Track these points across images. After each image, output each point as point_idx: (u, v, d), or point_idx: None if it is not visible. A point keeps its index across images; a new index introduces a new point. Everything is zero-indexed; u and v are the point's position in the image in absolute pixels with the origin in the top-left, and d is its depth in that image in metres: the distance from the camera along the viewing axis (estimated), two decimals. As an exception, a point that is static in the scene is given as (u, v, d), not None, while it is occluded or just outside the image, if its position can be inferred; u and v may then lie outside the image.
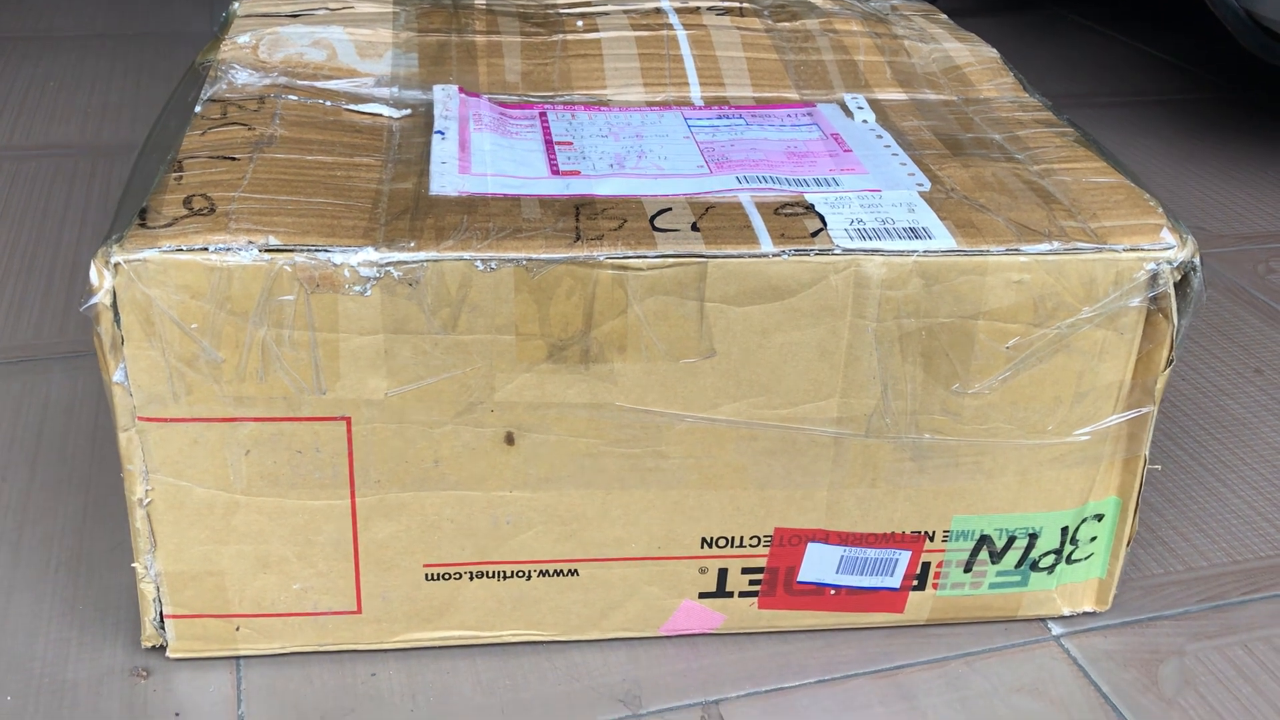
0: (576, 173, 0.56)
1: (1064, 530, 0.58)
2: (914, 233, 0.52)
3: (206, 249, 0.47)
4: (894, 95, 0.66)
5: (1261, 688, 0.58)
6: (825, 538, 0.56)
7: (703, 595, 0.57)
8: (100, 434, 0.71)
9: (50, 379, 0.76)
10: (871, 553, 0.57)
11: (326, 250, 0.48)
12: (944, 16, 0.77)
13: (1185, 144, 1.23)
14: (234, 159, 0.53)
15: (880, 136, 0.61)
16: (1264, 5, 1.11)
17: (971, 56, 0.71)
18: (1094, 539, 0.59)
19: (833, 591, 0.58)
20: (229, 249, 0.47)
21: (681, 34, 0.69)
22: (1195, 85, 1.40)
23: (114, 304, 0.48)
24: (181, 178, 0.52)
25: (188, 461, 0.51)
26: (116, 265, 0.47)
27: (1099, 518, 0.58)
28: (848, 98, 0.65)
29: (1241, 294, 0.94)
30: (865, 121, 0.63)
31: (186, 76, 0.64)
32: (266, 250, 0.48)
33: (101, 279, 0.47)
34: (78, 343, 0.80)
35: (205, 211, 0.49)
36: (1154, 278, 0.52)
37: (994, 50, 0.72)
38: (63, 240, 0.94)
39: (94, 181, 1.04)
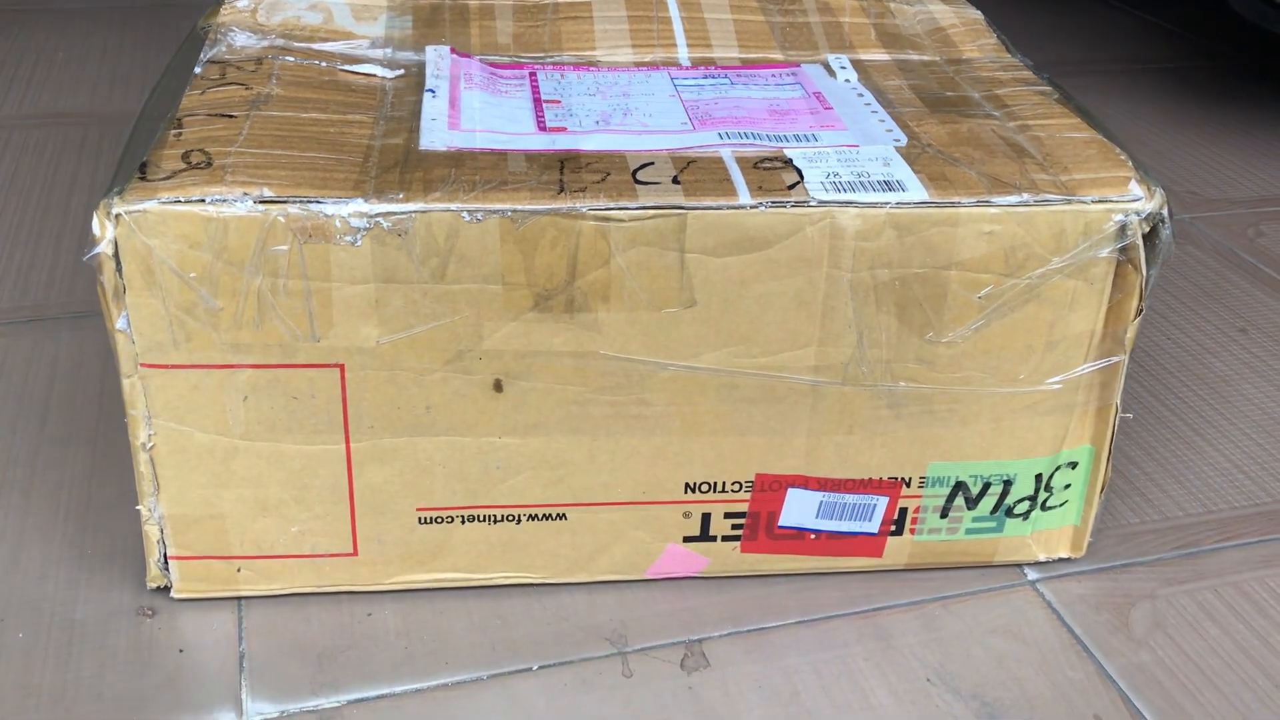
0: (563, 129, 0.57)
1: (1038, 477, 0.60)
2: (888, 185, 0.53)
3: (204, 200, 0.49)
4: (877, 56, 0.68)
5: (1228, 629, 0.59)
6: (805, 483, 0.58)
7: (687, 539, 0.59)
8: (107, 390, 0.74)
9: (59, 338, 0.79)
10: (850, 498, 0.59)
11: (319, 201, 0.50)
12: (931, -20, 0.78)
13: (1182, 110, 1.23)
14: (231, 116, 0.55)
15: (861, 95, 0.62)
16: (1259, -29, 1.11)
17: (956, 18, 0.72)
18: (1068, 486, 0.61)
19: (813, 536, 0.60)
20: (225, 200, 0.49)
21: (670, -3, 0.70)
22: (1193, 53, 1.40)
23: (116, 254, 0.50)
24: (181, 134, 0.54)
25: (188, 407, 0.53)
26: (118, 216, 0.49)
27: (1073, 465, 0.60)
28: (831, 58, 0.67)
29: (1230, 256, 0.95)
30: (847, 81, 0.64)
31: (188, 40, 0.66)
32: (261, 201, 0.50)
33: (103, 230, 0.49)
34: (85, 303, 0.83)
35: (203, 165, 0.51)
36: (1122, 229, 0.54)
37: (979, 13, 0.73)
38: (71, 206, 0.96)
39: (102, 150, 1.06)
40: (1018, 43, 0.71)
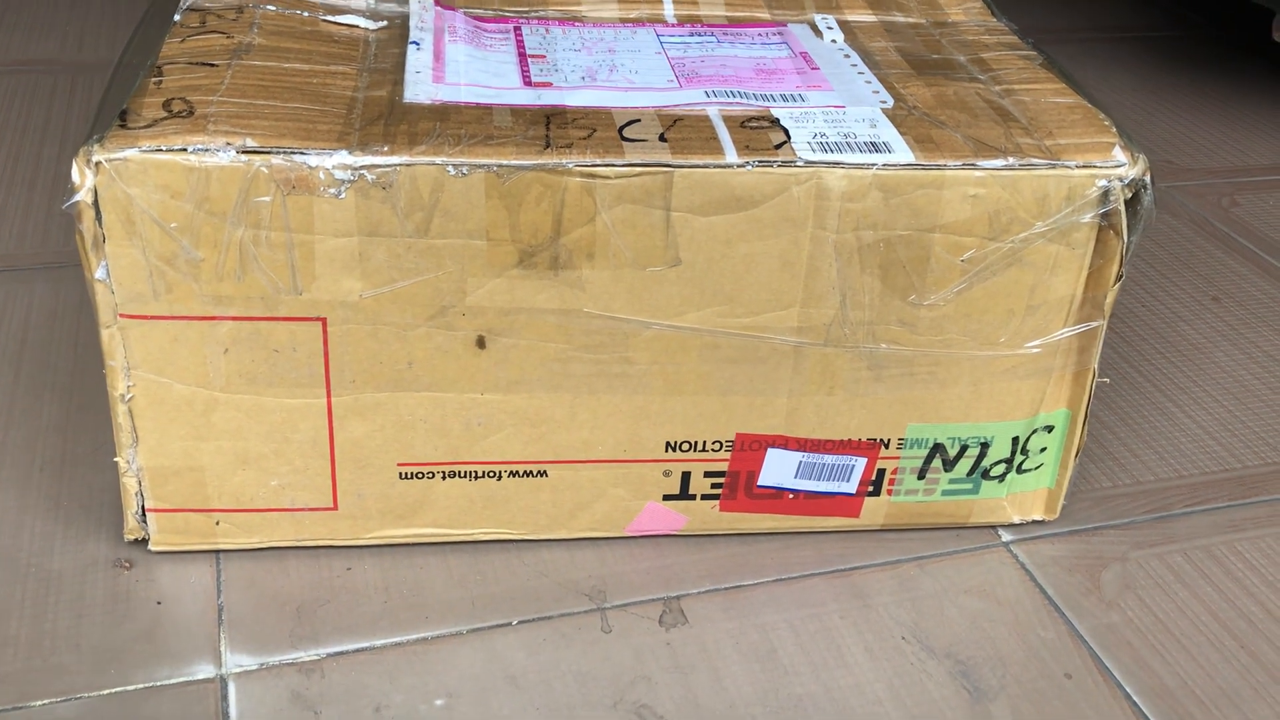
0: (548, 84, 0.57)
1: (1015, 440, 0.60)
2: (875, 147, 0.53)
3: (185, 149, 0.49)
4: (863, 17, 0.67)
5: (1197, 591, 0.61)
6: (785, 443, 0.59)
7: (667, 497, 0.60)
8: (83, 341, 0.73)
9: (33, 288, 0.78)
10: (829, 459, 0.59)
11: (302, 153, 0.49)
12: (918, -58, 0.78)
13: (1159, 79, 1.24)
14: (213, 65, 0.55)
15: (848, 56, 0.62)
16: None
17: (942, -19, 0.72)
18: (1044, 449, 0.61)
19: (791, 496, 0.60)
20: (207, 150, 0.49)
21: (656, -47, 0.69)
22: (1171, 22, 1.41)
23: (95, 203, 0.49)
24: (161, 82, 0.53)
25: (168, 358, 0.53)
26: (98, 164, 0.48)
27: (1049, 429, 0.61)
28: (818, 18, 0.67)
29: (1205, 225, 0.96)
30: (834, 41, 0.64)
31: (165, -13, 0.65)
32: (244, 152, 0.49)
33: (83, 178, 0.49)
34: (60, 253, 0.82)
35: (184, 114, 0.50)
36: (1105, 194, 0.54)
37: (965, -25, 0.73)
38: (44, 154, 0.94)
39: (74, 98, 1.04)
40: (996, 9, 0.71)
